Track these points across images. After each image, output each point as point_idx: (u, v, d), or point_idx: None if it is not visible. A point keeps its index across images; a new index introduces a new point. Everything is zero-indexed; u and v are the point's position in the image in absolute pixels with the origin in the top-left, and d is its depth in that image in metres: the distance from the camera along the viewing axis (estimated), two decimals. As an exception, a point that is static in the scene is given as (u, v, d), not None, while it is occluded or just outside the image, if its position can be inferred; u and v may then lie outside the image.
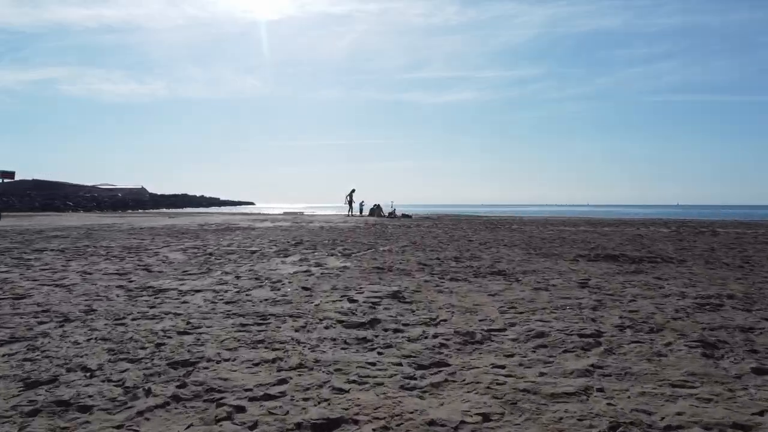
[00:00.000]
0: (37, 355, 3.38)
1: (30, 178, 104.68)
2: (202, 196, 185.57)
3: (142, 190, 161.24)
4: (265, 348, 3.57)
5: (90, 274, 7.10)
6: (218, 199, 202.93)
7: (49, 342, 3.70)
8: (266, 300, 5.31)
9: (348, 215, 28.65)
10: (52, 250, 10.38)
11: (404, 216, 26.24)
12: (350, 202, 28.76)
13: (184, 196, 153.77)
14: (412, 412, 2.47)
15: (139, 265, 8.03)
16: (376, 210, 27.48)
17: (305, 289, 5.96)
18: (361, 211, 41.44)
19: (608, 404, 2.59)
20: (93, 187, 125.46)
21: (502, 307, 4.94)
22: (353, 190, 29.83)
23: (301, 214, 35.62)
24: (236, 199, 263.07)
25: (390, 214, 27.45)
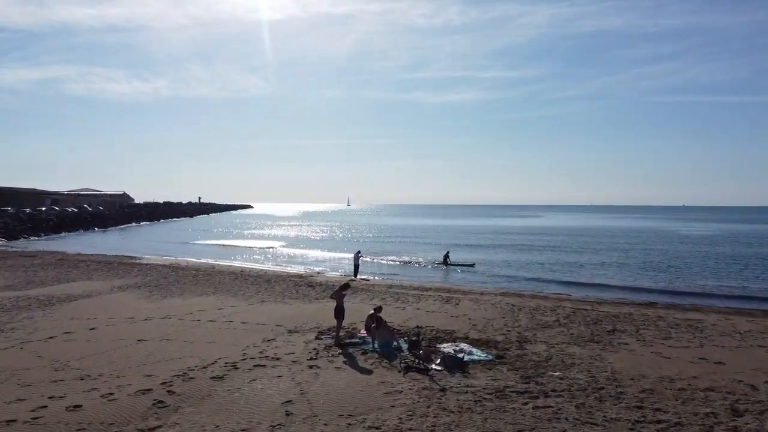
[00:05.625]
0: None
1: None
2: (190, 202, 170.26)
3: (124, 196, 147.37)
4: None
5: None
6: (209, 204, 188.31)
7: None
8: None
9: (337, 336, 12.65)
10: None
11: (448, 362, 10.93)
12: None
13: (167, 204, 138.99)
14: None
15: None
16: (373, 326, 12.36)
17: None
18: (356, 272, 26.74)
19: None
20: (57, 193, 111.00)
21: None
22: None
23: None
24: (234, 203, 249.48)
25: (412, 342, 12.41)
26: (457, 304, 17.58)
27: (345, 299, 12.86)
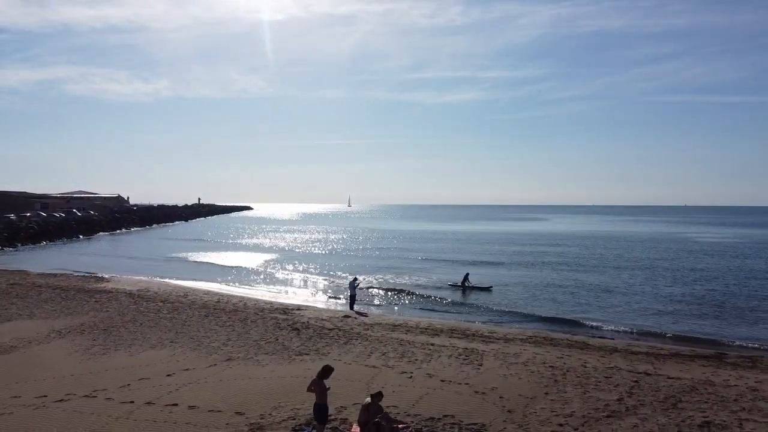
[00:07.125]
0: None
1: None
2: (186, 204, 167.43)
3: (118, 199, 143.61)
4: None
5: None
6: (208, 206, 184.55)
7: None
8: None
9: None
10: None
11: None
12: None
13: (161, 207, 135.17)
14: None
15: None
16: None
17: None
18: (352, 303, 22.92)
19: None
20: (47, 196, 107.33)
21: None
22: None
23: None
24: (234, 204, 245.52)
25: None
26: (480, 364, 13.60)
27: (329, 386, 8.96)
